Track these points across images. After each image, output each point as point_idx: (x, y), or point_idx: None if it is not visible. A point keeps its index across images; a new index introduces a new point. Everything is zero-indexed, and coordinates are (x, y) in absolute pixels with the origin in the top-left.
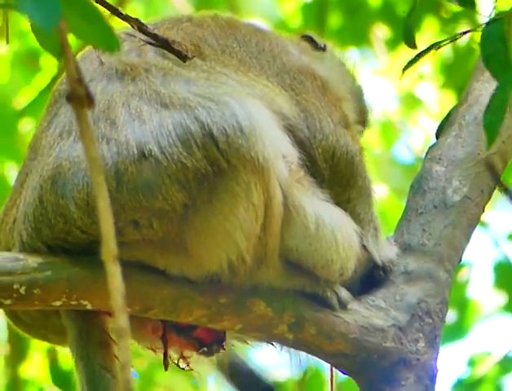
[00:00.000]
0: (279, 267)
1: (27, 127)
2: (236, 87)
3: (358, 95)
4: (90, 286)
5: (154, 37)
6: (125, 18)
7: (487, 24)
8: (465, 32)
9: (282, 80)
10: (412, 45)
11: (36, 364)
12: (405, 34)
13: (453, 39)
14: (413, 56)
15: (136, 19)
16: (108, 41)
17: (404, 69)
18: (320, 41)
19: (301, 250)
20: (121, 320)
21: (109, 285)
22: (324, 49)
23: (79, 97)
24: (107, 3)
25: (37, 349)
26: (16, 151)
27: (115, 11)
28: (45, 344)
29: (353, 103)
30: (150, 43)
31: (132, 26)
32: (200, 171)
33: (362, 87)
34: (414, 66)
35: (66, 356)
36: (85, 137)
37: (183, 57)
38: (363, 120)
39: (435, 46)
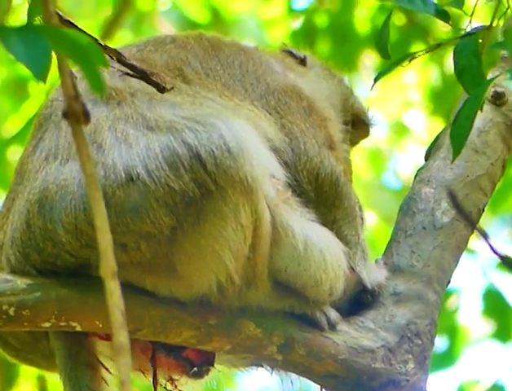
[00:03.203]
0: (268, 288)
1: (15, 155)
2: (221, 110)
3: (347, 96)
4: (79, 307)
5: (133, 68)
6: (104, 48)
7: (462, 37)
8: (439, 45)
9: (266, 102)
10: (386, 55)
11: None
12: (378, 44)
13: (427, 51)
14: (387, 66)
15: (115, 50)
16: (96, 86)
17: (376, 79)
18: (299, 53)
19: (290, 270)
20: (121, 336)
21: (108, 302)
22: (304, 60)
23: (76, 113)
24: (87, 34)
25: (27, 378)
26: (5, 178)
27: (94, 41)
28: (34, 372)
29: (343, 109)
30: (128, 74)
31: (111, 57)
32: (188, 194)
33: (351, 88)
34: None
35: (55, 384)
36: (81, 153)
37: (161, 89)
38: (360, 119)
39: (409, 56)
